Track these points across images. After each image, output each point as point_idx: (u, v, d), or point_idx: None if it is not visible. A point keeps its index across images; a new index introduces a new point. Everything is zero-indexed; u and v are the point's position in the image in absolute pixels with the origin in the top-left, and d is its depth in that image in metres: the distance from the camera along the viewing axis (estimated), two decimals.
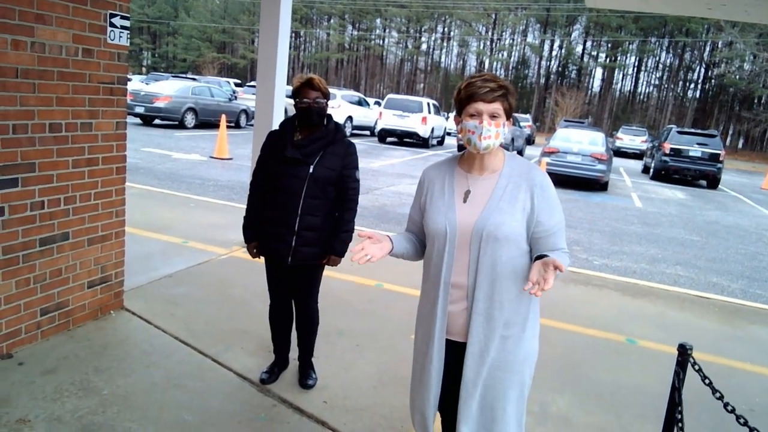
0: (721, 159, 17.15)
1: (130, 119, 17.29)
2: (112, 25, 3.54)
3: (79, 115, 3.43)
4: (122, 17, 3.61)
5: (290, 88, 3.01)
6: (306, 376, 3.29)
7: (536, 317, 2.06)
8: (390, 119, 20.39)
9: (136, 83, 22.68)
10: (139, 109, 17.30)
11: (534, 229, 1.94)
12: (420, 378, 2.12)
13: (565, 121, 27.83)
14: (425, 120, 20.28)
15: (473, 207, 1.96)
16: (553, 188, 1.98)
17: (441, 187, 2.04)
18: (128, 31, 3.69)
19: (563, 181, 13.54)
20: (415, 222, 2.17)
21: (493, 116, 1.88)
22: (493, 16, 60.21)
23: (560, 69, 61.29)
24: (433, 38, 67.03)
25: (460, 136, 1.96)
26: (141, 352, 3.48)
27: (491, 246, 1.91)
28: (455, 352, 2.03)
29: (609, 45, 57.39)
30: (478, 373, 1.98)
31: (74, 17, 3.28)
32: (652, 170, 18.56)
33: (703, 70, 56.29)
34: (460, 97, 1.94)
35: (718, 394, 2.18)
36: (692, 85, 58.16)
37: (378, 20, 66.76)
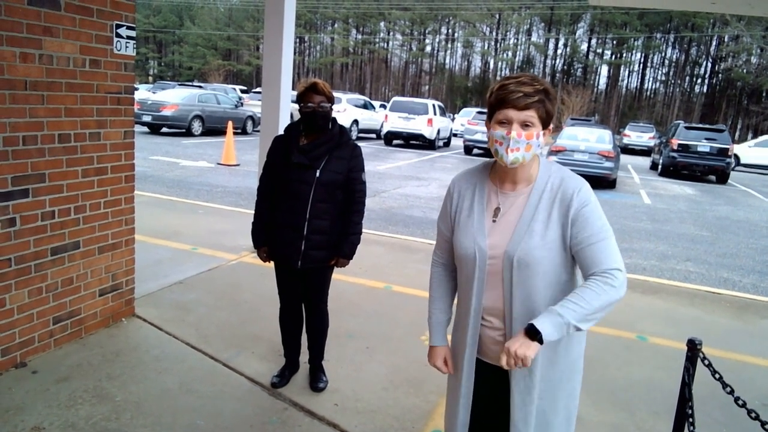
0: (729, 153, 17.04)
1: (138, 128, 17.33)
2: (119, 35, 3.58)
3: (87, 125, 3.47)
4: (128, 27, 3.65)
5: (295, 93, 3.03)
6: (317, 379, 3.30)
7: (582, 335, 1.86)
8: (396, 122, 20.40)
9: (143, 92, 22.84)
10: (147, 118, 17.42)
11: (570, 242, 1.71)
12: (449, 402, 2.00)
13: (572, 119, 27.75)
14: (431, 122, 20.28)
15: (504, 229, 1.76)
16: (591, 197, 1.73)
17: (470, 203, 1.84)
18: (134, 41, 3.73)
19: None
20: (445, 237, 1.96)
21: (525, 125, 1.65)
22: (497, 16, 60.19)
23: (565, 67, 61.14)
24: (437, 40, 67.07)
25: (488, 144, 1.75)
26: (153, 358, 3.51)
27: (524, 273, 1.70)
28: (490, 374, 1.86)
29: (614, 42, 57.23)
30: (528, 411, 1.79)
31: (81, 29, 3.32)
32: (660, 166, 18.48)
33: (709, 64, 55.98)
34: (490, 101, 1.71)
35: (728, 389, 2.18)
36: (699, 80, 57.90)
37: (382, 23, 66.90)
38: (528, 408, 1.79)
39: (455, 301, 2.02)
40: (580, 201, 1.70)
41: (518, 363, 1.55)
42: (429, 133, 20.35)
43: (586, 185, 1.76)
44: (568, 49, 60.17)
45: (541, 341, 1.55)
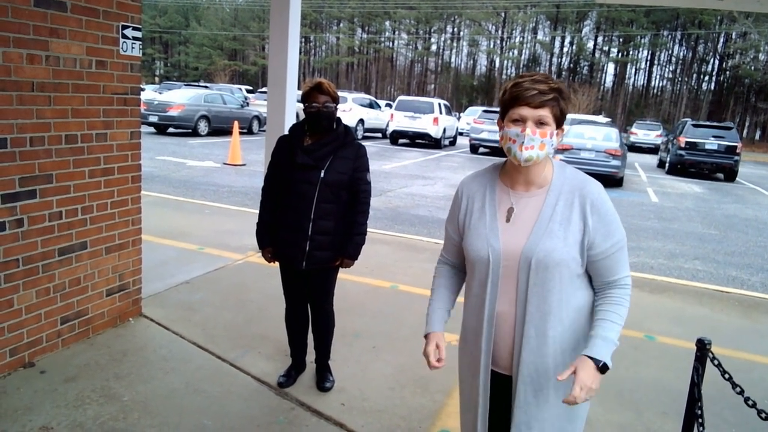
0: (738, 151, 16.95)
1: (145, 128, 17.50)
2: (125, 36, 3.59)
3: (94, 126, 3.48)
4: (134, 28, 3.66)
5: (300, 93, 3.03)
6: (323, 379, 3.30)
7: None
8: (401, 121, 20.41)
9: (149, 93, 22.92)
10: (153, 118, 17.49)
11: (588, 252, 1.68)
12: (468, 409, 1.94)
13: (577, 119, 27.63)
14: (437, 121, 20.26)
15: (519, 229, 1.71)
16: (609, 203, 1.71)
17: (481, 205, 1.79)
18: (140, 42, 3.74)
19: None
20: (452, 241, 1.91)
21: (539, 123, 1.63)
22: (503, 14, 60.03)
23: (572, 65, 60.92)
24: (442, 39, 66.99)
25: (501, 143, 1.72)
26: (160, 358, 3.52)
27: (541, 275, 1.66)
28: (502, 385, 1.82)
29: (620, 39, 56.93)
30: (533, 415, 1.75)
31: (87, 30, 3.33)
32: (667, 164, 18.37)
33: (717, 61, 55.64)
34: (504, 99, 1.69)
35: (738, 389, 2.16)
36: (706, 78, 57.54)
37: (387, 23, 66.91)
38: (532, 411, 1.75)
39: (454, 305, 1.98)
40: (598, 206, 1.68)
41: (589, 395, 1.56)
42: (435, 132, 20.32)
43: (603, 189, 1.75)
44: (574, 47, 59.91)
45: (604, 371, 1.61)
